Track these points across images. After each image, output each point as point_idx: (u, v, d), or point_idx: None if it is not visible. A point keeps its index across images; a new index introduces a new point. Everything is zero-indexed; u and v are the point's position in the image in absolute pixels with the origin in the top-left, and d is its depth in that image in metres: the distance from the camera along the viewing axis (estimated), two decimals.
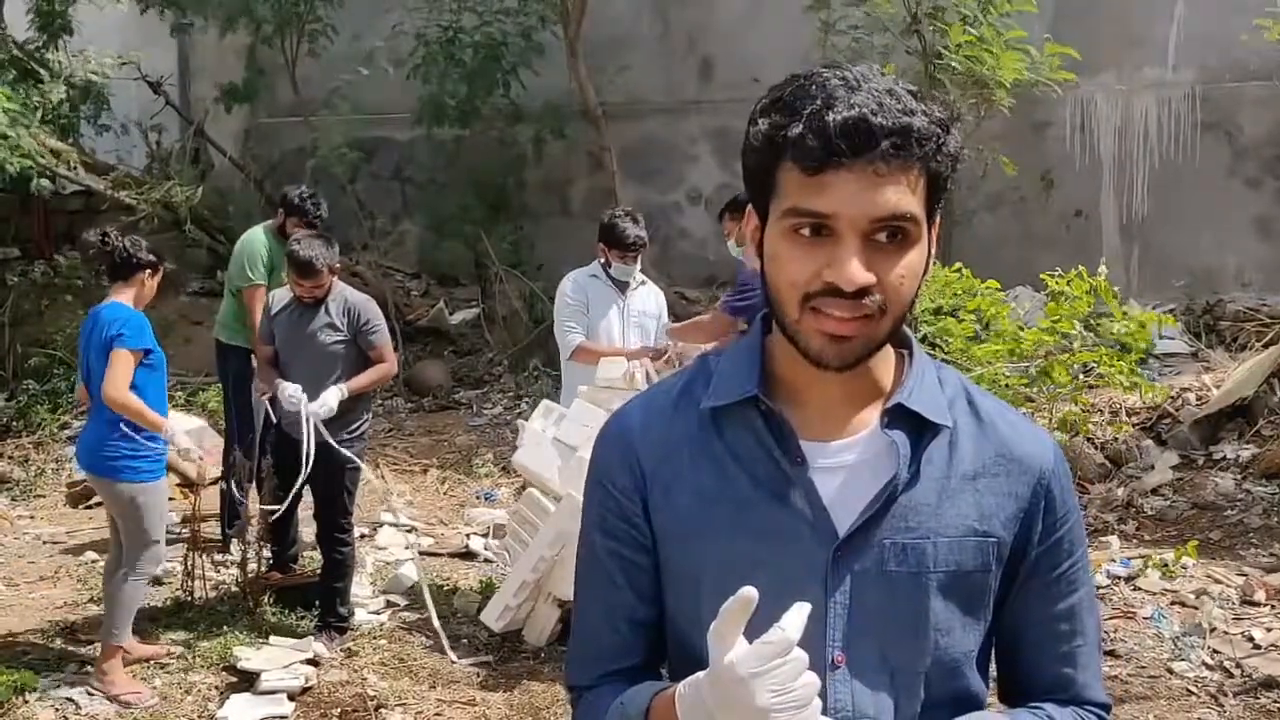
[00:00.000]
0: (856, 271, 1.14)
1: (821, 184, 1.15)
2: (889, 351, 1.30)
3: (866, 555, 1.22)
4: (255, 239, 5.86)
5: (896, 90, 1.17)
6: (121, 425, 4.44)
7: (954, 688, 1.27)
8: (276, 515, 5.21)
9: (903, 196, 1.15)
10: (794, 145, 1.15)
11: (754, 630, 1.21)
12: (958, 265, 6.77)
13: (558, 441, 4.80)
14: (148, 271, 4.60)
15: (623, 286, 5.30)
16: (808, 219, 1.16)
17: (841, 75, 1.17)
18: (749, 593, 1.09)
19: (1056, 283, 6.32)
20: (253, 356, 5.75)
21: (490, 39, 9.73)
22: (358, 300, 4.98)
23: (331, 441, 4.82)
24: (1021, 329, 6.41)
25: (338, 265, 4.94)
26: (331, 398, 4.78)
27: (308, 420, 4.73)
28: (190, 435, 4.89)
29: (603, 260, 5.27)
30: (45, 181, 8.47)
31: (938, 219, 1.25)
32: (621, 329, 5.28)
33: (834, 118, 1.13)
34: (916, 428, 1.25)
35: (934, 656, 1.24)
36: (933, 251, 1.24)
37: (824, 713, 1.19)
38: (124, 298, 4.56)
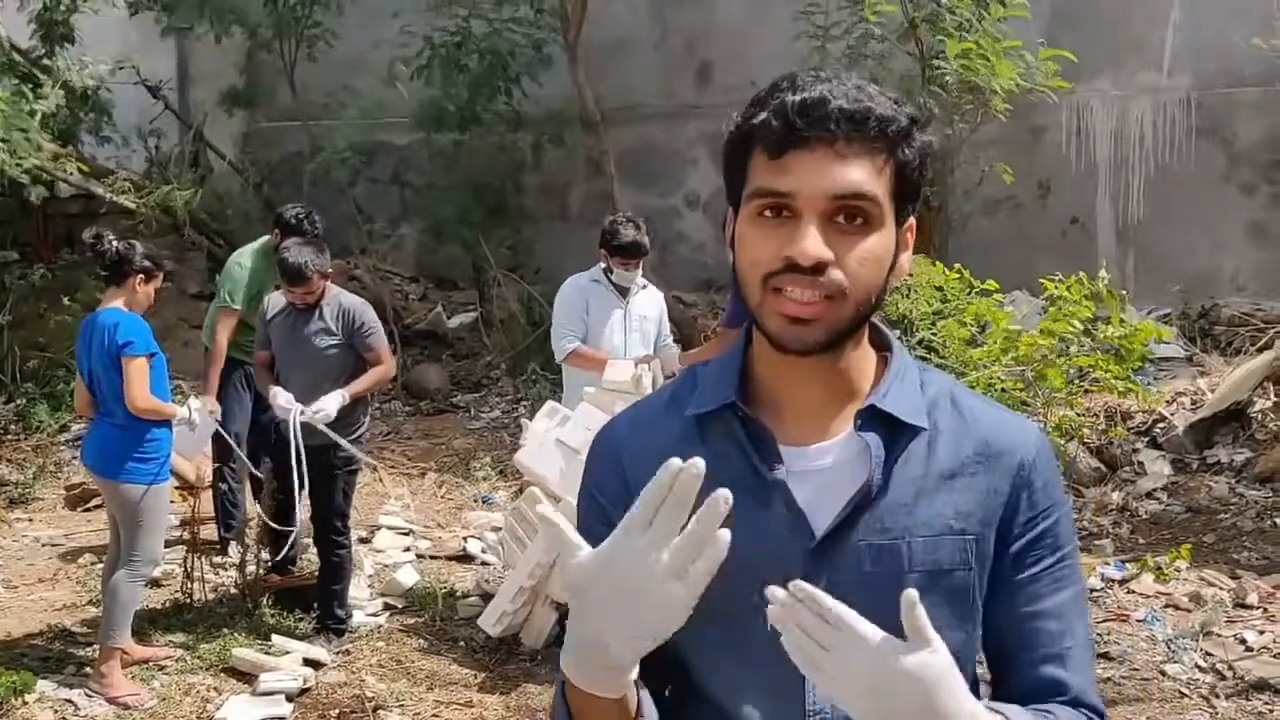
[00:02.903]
0: (813, 245, 1.15)
1: (783, 165, 1.17)
2: (868, 353, 1.30)
3: (844, 558, 1.23)
4: (242, 262, 5.82)
5: (866, 86, 1.20)
6: (129, 428, 4.49)
7: None
8: (274, 517, 5.24)
9: (864, 177, 1.17)
10: (759, 130, 1.19)
11: (734, 623, 1.22)
12: (957, 266, 6.78)
13: (560, 443, 4.81)
14: (139, 276, 4.60)
15: (624, 291, 5.32)
16: (769, 199, 1.18)
17: (815, 73, 1.21)
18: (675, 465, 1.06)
19: (1056, 287, 6.34)
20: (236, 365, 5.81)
21: (497, 49, 9.74)
22: (353, 304, 5.00)
23: (342, 441, 4.86)
24: (1020, 333, 6.43)
25: (329, 270, 4.96)
26: (331, 404, 4.80)
27: (295, 426, 4.76)
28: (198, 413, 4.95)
29: (604, 266, 5.29)
30: (41, 189, 8.48)
31: (910, 219, 1.25)
32: (624, 334, 5.31)
33: (793, 99, 1.17)
34: (892, 430, 1.26)
35: None
36: (908, 252, 1.26)
37: (805, 718, 1.21)
38: (117, 302, 4.59)
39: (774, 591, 1.09)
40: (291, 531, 5.35)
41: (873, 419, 1.26)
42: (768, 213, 1.20)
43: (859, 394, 1.29)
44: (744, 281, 1.22)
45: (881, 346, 1.33)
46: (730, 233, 1.27)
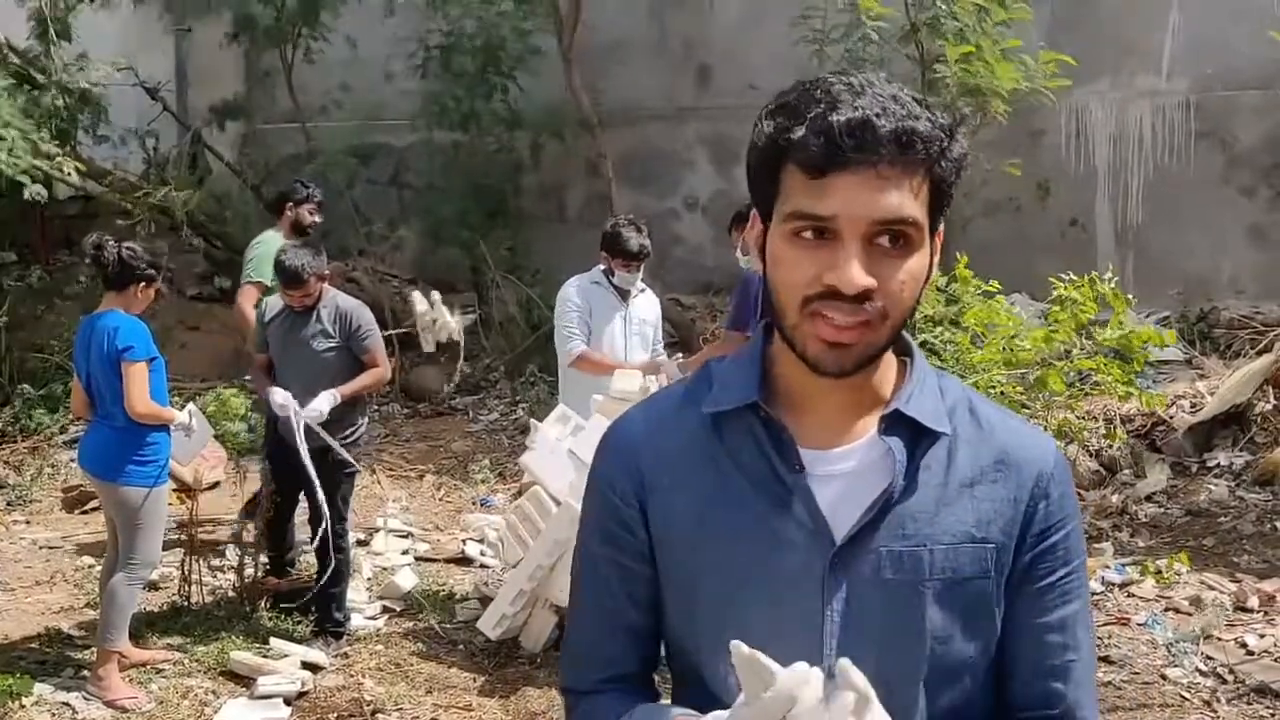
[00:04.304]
0: (858, 274, 1.13)
1: (824, 186, 1.14)
2: (890, 359, 1.29)
3: (863, 563, 1.22)
4: (261, 241, 5.94)
5: (901, 96, 1.17)
6: (128, 430, 4.48)
7: (957, 698, 1.24)
8: (271, 519, 5.23)
9: (906, 200, 1.15)
10: (797, 147, 1.15)
11: (751, 629, 1.21)
12: (965, 261, 6.76)
13: (573, 454, 4.76)
14: (141, 284, 4.61)
15: (625, 294, 5.31)
16: (810, 222, 1.16)
17: (847, 81, 1.17)
18: (739, 648, 1.05)
19: (1065, 288, 6.32)
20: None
21: (489, 44, 9.74)
22: (349, 306, 5.00)
23: (334, 444, 4.85)
24: (1016, 335, 6.42)
25: (326, 272, 4.97)
26: (323, 402, 4.81)
27: (300, 426, 4.75)
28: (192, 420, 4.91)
29: (605, 268, 5.28)
30: (40, 188, 8.46)
31: (941, 227, 1.24)
32: (624, 336, 5.30)
33: (838, 119, 1.13)
34: (914, 435, 1.24)
35: (931, 665, 1.22)
36: (935, 259, 1.24)
37: None
38: (116, 306, 4.59)
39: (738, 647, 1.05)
40: (289, 534, 5.35)
41: (896, 423, 1.24)
42: (807, 234, 1.17)
43: (881, 399, 1.28)
44: (779, 302, 1.20)
45: (901, 351, 1.32)
46: (757, 240, 1.25)
